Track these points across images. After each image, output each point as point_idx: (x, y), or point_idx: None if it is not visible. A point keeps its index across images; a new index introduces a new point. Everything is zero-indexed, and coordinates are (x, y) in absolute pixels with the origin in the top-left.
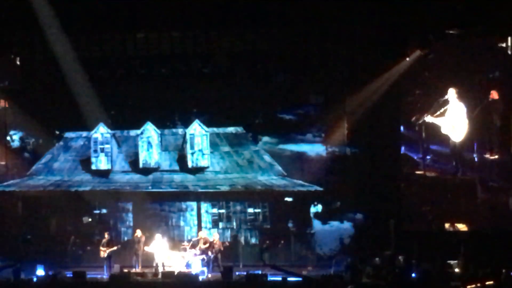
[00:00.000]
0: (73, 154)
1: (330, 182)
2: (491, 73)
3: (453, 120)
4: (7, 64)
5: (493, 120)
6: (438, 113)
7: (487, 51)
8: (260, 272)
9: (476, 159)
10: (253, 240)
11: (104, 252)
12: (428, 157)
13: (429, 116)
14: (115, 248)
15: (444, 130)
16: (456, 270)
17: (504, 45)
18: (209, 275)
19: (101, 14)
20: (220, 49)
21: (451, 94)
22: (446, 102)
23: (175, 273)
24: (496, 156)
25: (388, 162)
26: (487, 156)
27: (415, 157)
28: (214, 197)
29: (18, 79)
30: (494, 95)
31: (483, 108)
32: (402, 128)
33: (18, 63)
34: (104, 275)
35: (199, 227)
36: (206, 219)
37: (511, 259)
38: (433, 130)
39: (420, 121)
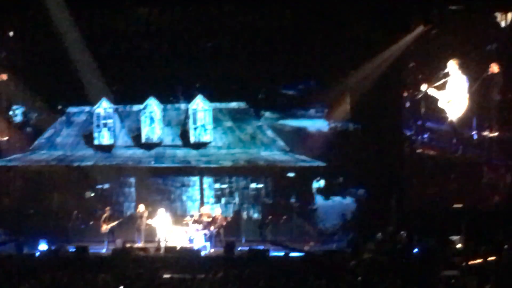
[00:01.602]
0: (76, 129)
1: (332, 157)
2: (490, 45)
3: (453, 93)
4: (6, 37)
5: (493, 95)
6: (437, 84)
7: (489, 25)
8: (262, 247)
9: (475, 137)
10: (255, 216)
11: (106, 227)
12: (425, 135)
13: (428, 87)
14: (116, 222)
15: (441, 104)
16: (458, 246)
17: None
18: (211, 250)
19: None
20: (223, 24)
21: (452, 66)
22: (446, 74)
23: (178, 248)
24: (496, 134)
25: (391, 138)
26: (487, 133)
27: (409, 134)
28: (217, 172)
29: (19, 52)
30: (494, 68)
31: (482, 82)
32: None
33: (15, 36)
34: (104, 250)
35: (202, 202)
36: (208, 194)
37: None
38: (431, 105)
39: (420, 95)
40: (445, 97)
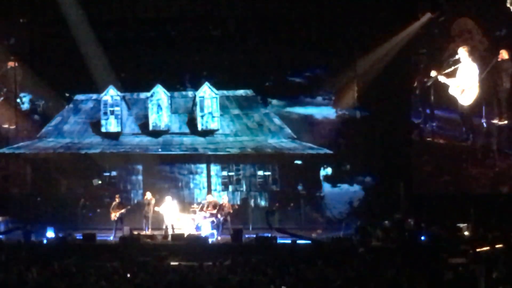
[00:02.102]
0: (83, 117)
1: (340, 145)
2: (499, 31)
3: (463, 81)
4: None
5: (503, 82)
6: (447, 71)
7: (498, 11)
8: (269, 235)
9: (484, 125)
10: (262, 203)
11: (114, 215)
12: (433, 123)
13: (438, 75)
14: (124, 210)
15: (452, 91)
16: (466, 233)
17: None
18: (219, 238)
19: None
20: (230, 11)
21: (462, 53)
22: (457, 61)
23: (185, 236)
24: (506, 122)
25: (399, 125)
26: (496, 121)
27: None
28: (224, 160)
29: (27, 39)
30: (504, 54)
31: (491, 69)
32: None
33: (23, 23)
34: (111, 237)
35: (209, 190)
36: (215, 181)
37: None
38: (441, 92)
39: (429, 82)
40: (455, 84)
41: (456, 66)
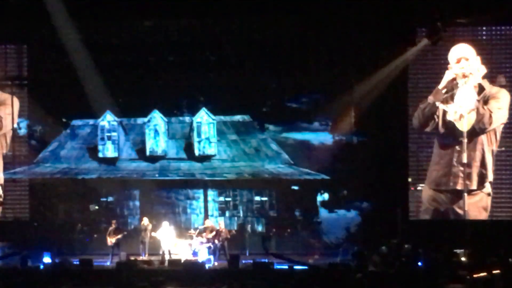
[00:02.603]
0: (80, 142)
1: (337, 170)
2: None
3: (461, 106)
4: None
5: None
6: (444, 96)
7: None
8: (266, 260)
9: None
10: (259, 229)
11: (111, 240)
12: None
13: (435, 100)
14: (121, 235)
15: (450, 117)
16: (463, 259)
17: None
18: (216, 263)
19: (109, 1)
20: (228, 37)
21: (459, 79)
22: (454, 87)
23: (182, 261)
24: (503, 148)
25: (396, 151)
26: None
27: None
28: (221, 185)
29: (24, 65)
30: (501, 80)
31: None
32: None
33: (20, 48)
34: (108, 263)
35: (206, 215)
36: (212, 207)
37: None
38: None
39: (427, 108)
40: (453, 110)
41: (453, 92)
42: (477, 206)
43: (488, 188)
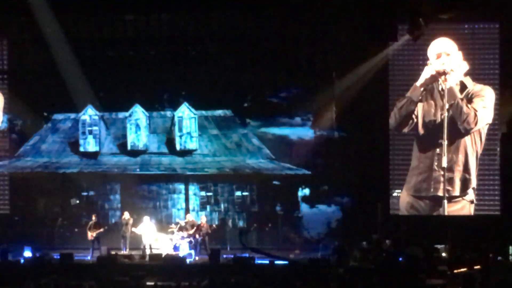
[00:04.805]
0: (61, 136)
1: (318, 165)
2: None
3: (442, 105)
4: None
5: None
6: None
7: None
8: (247, 255)
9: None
10: (240, 223)
11: (91, 234)
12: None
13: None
14: (101, 230)
15: (430, 117)
16: (443, 254)
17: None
18: (197, 258)
19: None
20: (209, 32)
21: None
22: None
23: (163, 256)
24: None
25: (376, 146)
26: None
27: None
28: (202, 180)
29: (4, 58)
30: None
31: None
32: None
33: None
34: (88, 257)
35: (187, 210)
36: (194, 201)
37: (498, 244)
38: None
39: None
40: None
41: (433, 89)
42: (459, 214)
43: (471, 195)
